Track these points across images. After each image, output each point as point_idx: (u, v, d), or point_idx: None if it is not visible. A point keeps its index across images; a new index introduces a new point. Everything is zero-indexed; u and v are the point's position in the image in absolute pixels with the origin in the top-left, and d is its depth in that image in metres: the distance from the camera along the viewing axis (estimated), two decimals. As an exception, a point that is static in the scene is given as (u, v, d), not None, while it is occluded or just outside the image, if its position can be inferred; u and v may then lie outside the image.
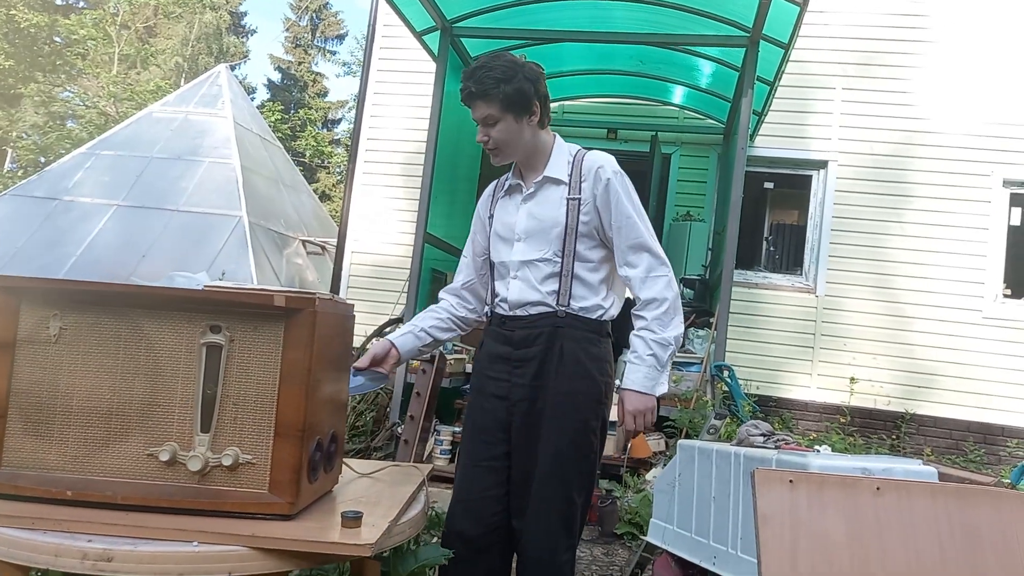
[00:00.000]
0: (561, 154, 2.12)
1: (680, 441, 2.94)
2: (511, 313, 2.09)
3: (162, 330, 1.35)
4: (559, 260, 2.05)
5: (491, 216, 2.21)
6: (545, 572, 2.03)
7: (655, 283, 2.04)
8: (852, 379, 6.65)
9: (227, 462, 1.32)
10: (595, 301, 2.07)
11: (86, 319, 1.35)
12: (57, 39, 21.32)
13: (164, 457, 1.32)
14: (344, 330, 1.60)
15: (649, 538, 2.96)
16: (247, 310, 1.35)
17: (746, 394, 5.29)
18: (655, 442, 4.97)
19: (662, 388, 2.05)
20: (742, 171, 5.30)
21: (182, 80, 23.09)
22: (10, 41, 19.83)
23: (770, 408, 6.59)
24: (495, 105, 2.00)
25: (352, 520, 1.31)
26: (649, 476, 4.55)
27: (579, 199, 2.05)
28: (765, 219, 7.98)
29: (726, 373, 4.89)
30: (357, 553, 1.25)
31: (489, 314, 2.21)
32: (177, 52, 25.48)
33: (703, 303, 6.41)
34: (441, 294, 2.32)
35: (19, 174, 19.84)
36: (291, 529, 1.28)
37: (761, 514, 1.68)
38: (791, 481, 1.70)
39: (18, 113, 20.50)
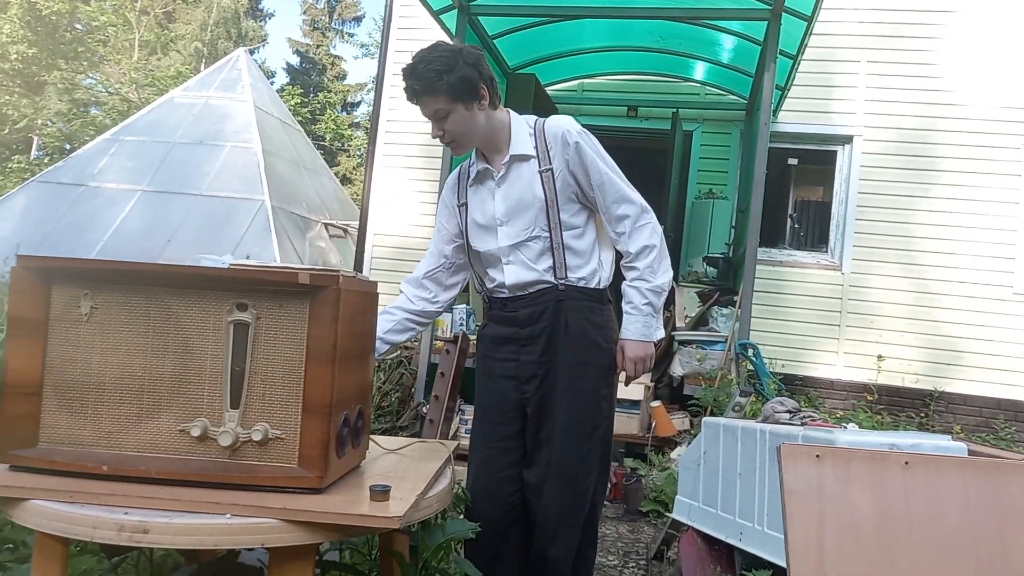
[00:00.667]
0: (521, 129, 2.10)
1: (705, 419, 2.94)
2: (512, 295, 2.10)
3: (190, 308, 1.37)
4: (547, 234, 2.05)
5: (463, 205, 2.18)
6: (566, 541, 2.05)
7: (641, 232, 2.06)
8: (879, 357, 6.58)
9: (257, 437, 1.34)
10: (591, 268, 2.08)
11: (116, 298, 1.37)
12: (78, 26, 21.46)
13: (195, 433, 1.34)
14: (368, 308, 1.60)
15: (675, 515, 2.97)
16: (272, 288, 1.36)
17: (771, 373, 5.25)
18: (679, 421, 4.97)
19: (659, 333, 2.12)
20: (765, 147, 5.23)
21: (202, 65, 23.19)
22: (32, 29, 19.99)
23: (796, 387, 6.55)
24: (441, 97, 1.96)
25: (380, 493, 1.32)
26: (674, 455, 4.55)
27: (551, 169, 2.05)
28: (789, 196, 7.88)
29: (751, 351, 4.86)
30: (385, 525, 1.27)
31: (486, 299, 2.22)
32: (196, 37, 25.58)
33: (726, 281, 6.37)
34: (402, 285, 2.27)
35: (45, 161, 20.08)
36: (321, 502, 1.30)
37: (787, 489, 1.67)
38: (818, 456, 1.69)
39: (42, 101, 20.71)
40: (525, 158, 2.06)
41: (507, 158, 2.07)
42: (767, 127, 5.23)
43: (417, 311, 2.21)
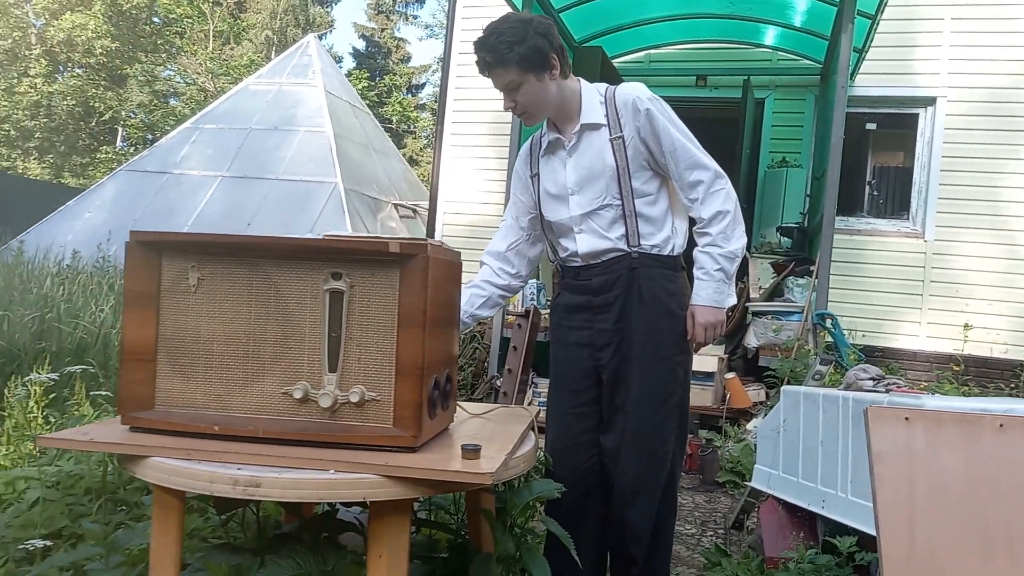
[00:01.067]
0: (592, 97, 2.09)
1: (784, 387, 2.91)
2: (584, 264, 2.11)
3: (289, 278, 1.45)
4: (619, 202, 2.05)
5: (535, 175, 2.19)
6: (645, 506, 2.08)
7: (715, 197, 2.04)
8: (966, 326, 6.32)
9: (354, 399, 1.41)
10: (664, 235, 2.08)
11: (221, 270, 1.46)
12: (156, 19, 22.28)
13: (297, 395, 1.42)
14: (453, 275, 1.66)
15: (753, 484, 2.96)
16: (365, 257, 1.43)
17: (850, 343, 5.13)
18: (754, 392, 4.91)
19: (731, 300, 2.11)
20: (842, 112, 5.06)
21: (272, 53, 23.76)
22: (114, 24, 20.86)
23: (876, 358, 6.36)
24: (513, 69, 1.96)
25: (472, 452, 1.38)
26: (750, 426, 4.51)
27: (622, 136, 2.04)
28: (867, 162, 7.60)
29: (829, 322, 4.76)
30: (479, 481, 1.32)
31: (559, 268, 2.23)
32: (266, 25, 26.19)
33: (802, 251, 6.22)
34: (484, 258, 2.28)
35: (130, 151, 21.02)
36: (416, 460, 1.36)
37: (875, 452, 1.65)
38: (907, 419, 1.66)
39: (125, 93, 21.64)
40: (596, 127, 2.06)
41: (578, 127, 2.07)
42: (844, 91, 5.06)
43: (503, 285, 2.24)
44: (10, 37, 20.08)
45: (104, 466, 2.27)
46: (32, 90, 20.17)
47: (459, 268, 1.72)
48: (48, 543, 1.85)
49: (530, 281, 5.59)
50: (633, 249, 2.06)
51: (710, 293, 2.06)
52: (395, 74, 30.10)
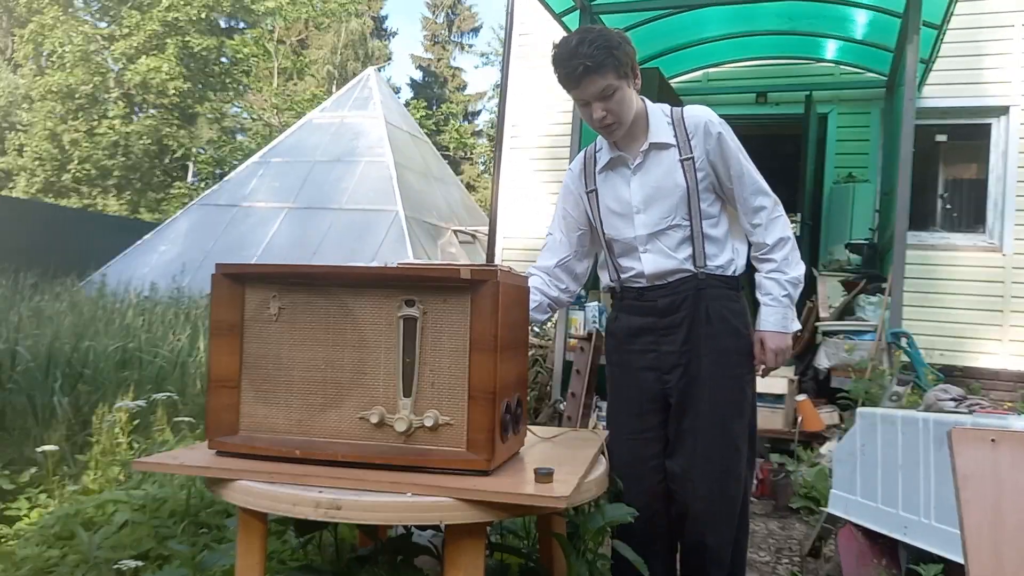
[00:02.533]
0: (659, 117, 2.08)
1: (860, 409, 2.83)
2: (650, 284, 2.09)
3: (364, 306, 1.49)
4: (688, 223, 2.05)
5: (592, 191, 2.16)
6: (723, 528, 2.05)
7: (776, 224, 2.07)
8: (1052, 344, 6.03)
9: (428, 423, 1.44)
10: (727, 256, 2.08)
11: (300, 299, 1.51)
12: (224, 59, 23.26)
13: (374, 420, 1.46)
14: (522, 300, 1.68)
15: (830, 509, 2.87)
16: (437, 284, 1.46)
17: (927, 363, 4.94)
18: (827, 415, 4.77)
19: (796, 325, 2.13)
20: (911, 125, 4.92)
21: (334, 87, 24.51)
22: (186, 65, 21.87)
23: (955, 378, 6.09)
24: (610, 74, 1.94)
25: (545, 476, 1.39)
26: (823, 450, 4.38)
27: (692, 158, 2.04)
28: (938, 175, 7.36)
29: (904, 340, 4.60)
30: (553, 505, 1.33)
31: (617, 290, 2.19)
32: (328, 60, 27.08)
33: (872, 268, 6.03)
34: (531, 270, 2.24)
35: (201, 185, 21.89)
36: (490, 483, 1.38)
37: (961, 475, 1.59)
38: (993, 440, 1.60)
39: (196, 130, 22.61)
40: (664, 146, 2.06)
41: (646, 146, 2.06)
42: (912, 103, 4.92)
43: (554, 297, 2.22)
44: (91, 82, 21.23)
45: (188, 489, 2.36)
46: (111, 131, 21.25)
47: (527, 292, 1.74)
48: (138, 563, 1.93)
49: (591, 304, 5.59)
50: (700, 270, 2.05)
51: (778, 319, 2.08)
52: (451, 102, 30.68)
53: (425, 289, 1.47)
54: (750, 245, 2.14)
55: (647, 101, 2.12)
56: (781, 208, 2.09)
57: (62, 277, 9.63)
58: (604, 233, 2.15)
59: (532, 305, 2.08)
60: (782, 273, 2.07)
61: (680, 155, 2.04)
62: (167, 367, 4.21)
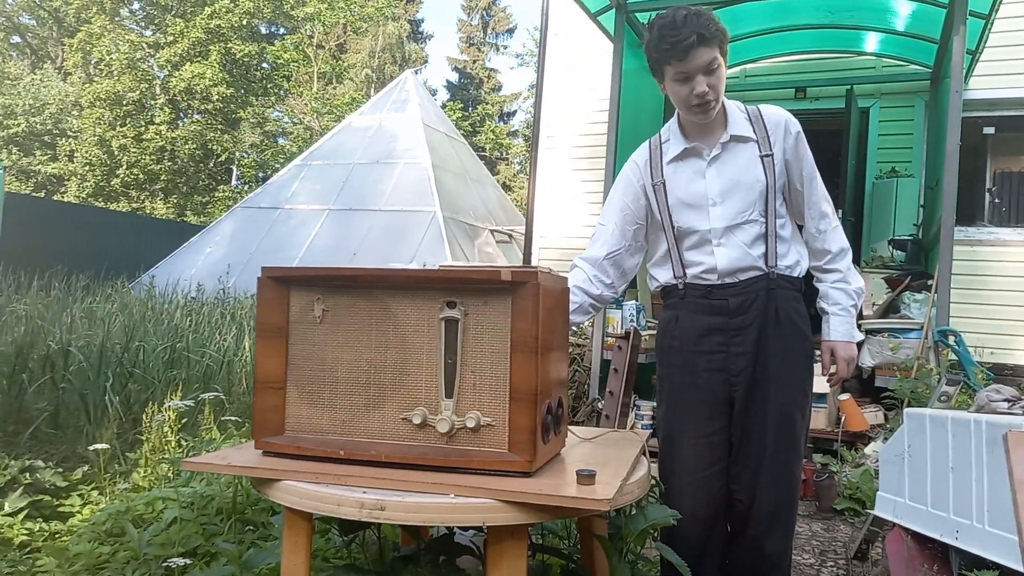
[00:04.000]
0: (736, 111, 2.05)
1: (908, 409, 2.76)
2: (720, 282, 2.04)
3: (406, 308, 1.51)
4: (763, 220, 2.01)
5: (659, 183, 2.08)
6: (783, 532, 2.04)
7: (838, 233, 2.10)
8: (1107, 342, 5.82)
9: (470, 424, 1.45)
10: (795, 258, 2.06)
11: (343, 301, 1.53)
12: (265, 64, 23.69)
13: (416, 420, 1.47)
14: (563, 301, 1.68)
15: (877, 512, 2.81)
16: (478, 286, 1.47)
17: (976, 361, 4.81)
18: (871, 414, 4.68)
19: (860, 335, 2.16)
20: (957, 118, 4.80)
21: (372, 89, 24.79)
22: (228, 71, 22.31)
23: (1006, 377, 5.94)
24: (715, 48, 1.91)
25: (587, 478, 1.39)
26: (868, 450, 4.29)
27: (772, 155, 2.01)
28: (986, 168, 7.17)
29: (952, 339, 4.49)
30: (596, 507, 1.33)
31: (680, 287, 2.10)
32: (366, 64, 27.38)
33: (917, 264, 5.90)
34: (577, 262, 2.17)
35: (244, 189, 22.33)
36: (532, 485, 1.38)
37: (1017, 478, 1.56)
38: (1049, 443, 1.55)
39: (239, 135, 23.06)
40: (744, 140, 2.02)
41: (726, 137, 2.02)
42: (959, 96, 4.80)
43: (596, 295, 2.13)
44: (138, 89, 21.79)
45: (234, 487, 2.41)
46: (157, 136, 21.80)
47: (567, 294, 1.74)
48: (187, 561, 1.98)
49: (629, 303, 5.56)
50: (771, 270, 2.02)
51: (848, 328, 2.10)
52: (487, 103, 30.79)
53: (466, 291, 1.48)
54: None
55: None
56: (838, 219, 2.12)
57: (112, 279, 9.91)
58: (674, 225, 2.07)
59: (572, 307, 2.01)
60: (848, 283, 2.09)
61: (760, 151, 2.01)
62: (213, 366, 4.30)
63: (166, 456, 2.73)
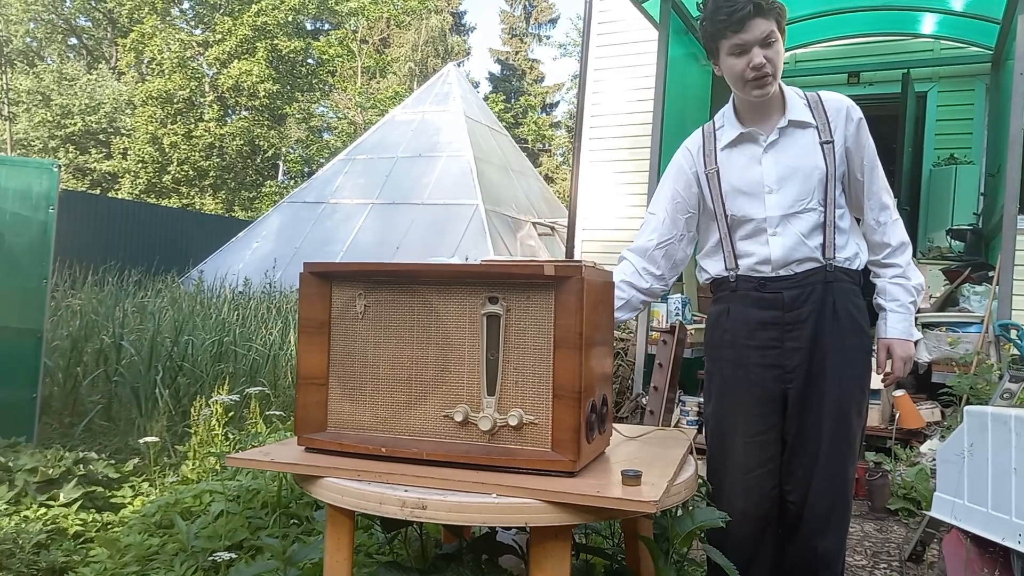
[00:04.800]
0: (794, 97, 1.98)
1: (968, 407, 2.65)
2: (774, 274, 1.96)
3: (448, 303, 1.48)
4: (822, 209, 1.93)
5: (713, 170, 2.01)
6: (837, 532, 1.98)
7: (898, 226, 2.00)
8: None
9: (513, 422, 1.42)
10: (854, 250, 1.98)
11: (385, 297, 1.52)
12: (310, 60, 24.00)
13: (458, 418, 1.45)
14: (607, 297, 1.64)
15: (933, 513, 2.71)
16: (521, 281, 1.44)
17: (1040, 357, 4.61)
18: (928, 411, 4.52)
19: (919, 334, 2.07)
20: (1022, 100, 4.59)
21: (415, 83, 24.92)
22: (275, 67, 22.68)
23: (1071, 373, 5.68)
24: (772, 20, 1.84)
25: (632, 479, 1.35)
26: (923, 448, 4.15)
27: (832, 142, 1.93)
28: (1052, 154, 6.85)
29: (1014, 333, 4.30)
30: (642, 509, 1.29)
31: (732, 279, 2.03)
32: (409, 58, 27.54)
33: (977, 255, 5.68)
34: (625, 254, 2.10)
35: (291, 183, 22.70)
36: (576, 485, 1.35)
37: (1089, 483, 1.46)
38: None
39: (285, 130, 23.43)
40: (804, 125, 1.95)
41: (784, 122, 1.95)
42: (1023, 78, 4.59)
43: (645, 289, 2.07)
44: (188, 87, 22.29)
45: (279, 482, 2.43)
46: (207, 133, 22.29)
47: (612, 288, 1.70)
48: (232, 555, 2.00)
49: (674, 296, 5.47)
50: (829, 262, 1.94)
51: (906, 326, 2.01)
52: (529, 95, 30.69)
53: (508, 286, 1.45)
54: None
55: (780, 80, 1.99)
56: (898, 212, 2.02)
57: (163, 274, 10.16)
58: (727, 214, 2.00)
59: (618, 303, 1.98)
60: (907, 279, 2.00)
61: (820, 137, 1.94)
62: (259, 360, 4.37)
63: (213, 449, 2.77)
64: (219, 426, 2.84)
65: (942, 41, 6.65)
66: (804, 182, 1.93)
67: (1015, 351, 4.42)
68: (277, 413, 2.97)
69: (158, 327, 4.47)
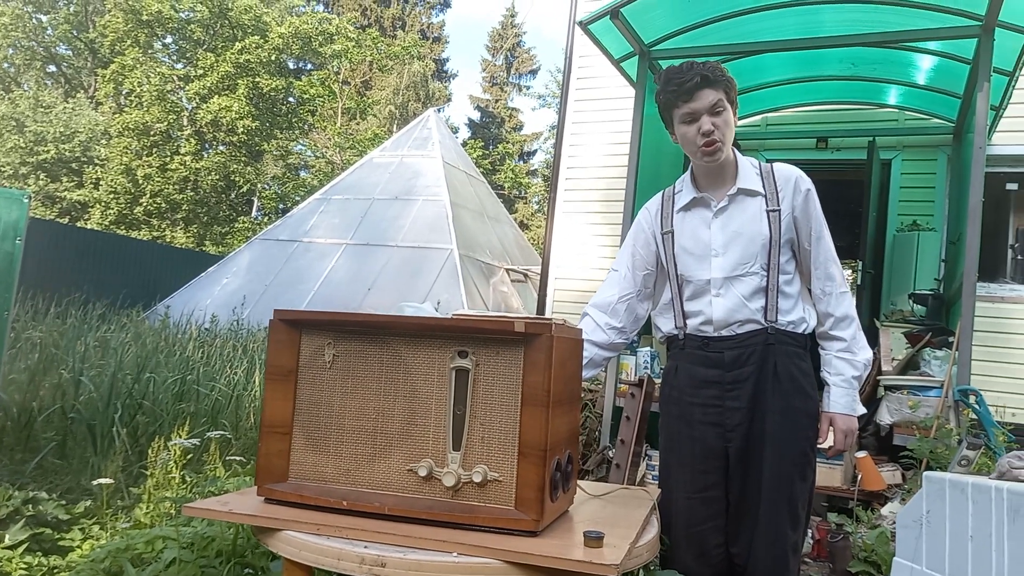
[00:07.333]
0: (747, 166, 2.08)
1: (927, 473, 2.68)
2: (716, 334, 2.03)
3: (418, 356, 1.48)
4: (765, 274, 2.00)
5: (668, 232, 2.12)
6: None
7: (845, 298, 2.05)
8: None
9: (477, 479, 1.41)
10: (799, 314, 2.03)
11: (355, 346, 1.52)
12: (291, 99, 24.14)
13: (422, 473, 1.44)
14: (576, 353, 1.65)
15: (893, 578, 2.72)
16: (491, 336, 1.45)
17: (998, 423, 4.70)
18: (889, 473, 4.56)
19: (862, 408, 2.10)
20: (981, 173, 4.76)
21: (395, 126, 25.16)
22: (255, 104, 22.75)
23: (1028, 438, 5.80)
24: (721, 92, 1.97)
25: (594, 540, 1.35)
26: (884, 511, 4.18)
27: (779, 210, 2.01)
28: (1009, 224, 7.10)
29: (973, 398, 4.39)
30: (602, 572, 1.28)
31: (680, 337, 2.12)
32: (390, 101, 27.83)
33: (938, 320, 5.81)
34: (588, 309, 2.19)
35: (264, 220, 22.60)
36: (538, 545, 1.34)
37: (1042, 556, 1.49)
38: (1078, 520, 1.49)
39: (261, 166, 23.42)
40: (752, 193, 2.04)
41: (734, 190, 2.05)
42: (982, 152, 4.77)
43: (606, 344, 2.15)
44: (166, 120, 22.24)
45: (235, 529, 2.37)
46: (182, 166, 22.17)
47: (581, 345, 1.71)
48: (184, 604, 1.94)
49: (643, 349, 5.51)
50: (770, 324, 2.00)
51: (849, 401, 2.04)
52: (508, 142, 31.10)
53: (479, 341, 1.46)
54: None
55: (736, 151, 2.12)
56: (848, 286, 2.08)
57: (129, 307, 9.98)
58: (678, 274, 2.10)
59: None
60: (852, 354, 2.04)
61: (767, 205, 2.02)
62: (222, 400, 4.29)
63: (169, 494, 2.70)
64: (176, 468, 2.77)
65: (907, 112, 6.91)
66: (747, 247, 2.01)
67: (973, 416, 4.51)
68: (237, 459, 2.91)
69: (120, 363, 4.38)
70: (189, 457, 2.99)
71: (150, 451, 2.85)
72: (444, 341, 1.47)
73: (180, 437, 2.83)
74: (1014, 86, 5.51)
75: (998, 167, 6.39)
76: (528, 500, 1.39)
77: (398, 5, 33.02)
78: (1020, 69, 5.22)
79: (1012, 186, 6.80)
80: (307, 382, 1.53)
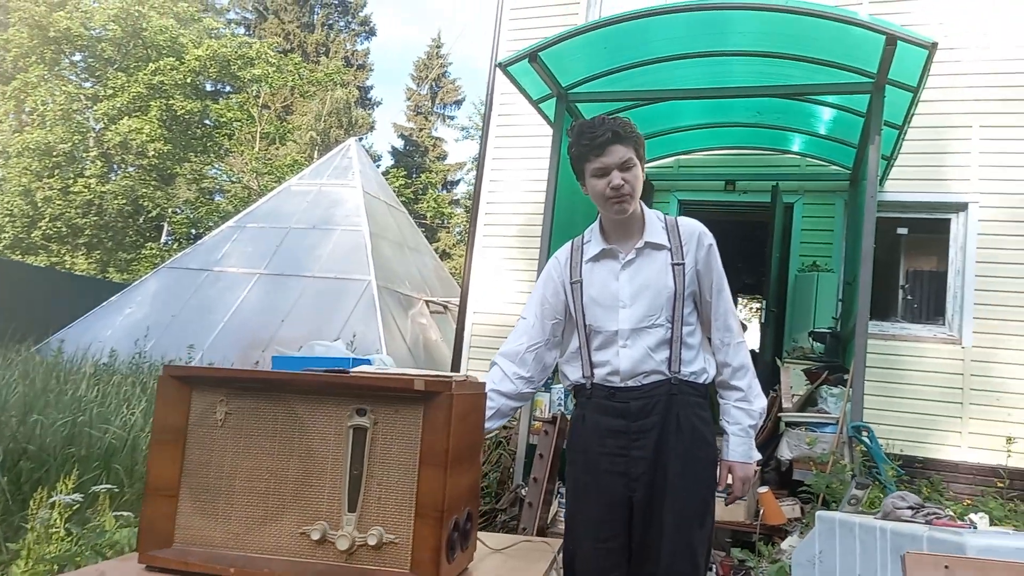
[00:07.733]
0: (653, 220, 2.16)
1: (819, 513, 2.80)
2: (623, 384, 2.08)
3: (314, 413, 1.45)
4: (670, 326, 2.07)
5: (576, 282, 2.17)
6: None
7: (742, 348, 2.15)
8: (1009, 439, 6.09)
9: (372, 541, 1.39)
10: (700, 364, 2.11)
11: (248, 404, 1.47)
12: (207, 122, 23.46)
13: (315, 536, 1.40)
14: (477, 408, 1.65)
15: (790, 616, 2.81)
16: (390, 394, 1.43)
17: (888, 456, 4.95)
18: (789, 508, 4.73)
19: (758, 455, 2.18)
20: (872, 219, 5.07)
21: (315, 153, 24.79)
22: (168, 127, 22.00)
23: (916, 470, 6.13)
24: (631, 148, 2.05)
25: (490, 601, 1.34)
26: (784, 545, 4.32)
27: (683, 264, 2.10)
28: (900, 266, 7.56)
29: (865, 434, 4.61)
30: (496, 636, 1.28)
31: (587, 387, 2.15)
32: (311, 127, 27.42)
33: (835, 357, 6.10)
34: (496, 359, 2.22)
35: (174, 247, 21.74)
36: (433, 609, 1.32)
37: (915, 602, 1.57)
38: (947, 567, 1.58)
39: (173, 190, 22.59)
40: (659, 247, 2.11)
41: (641, 243, 2.11)
42: (874, 200, 5.08)
43: (514, 394, 2.16)
44: (70, 140, 21.22)
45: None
46: (86, 189, 21.14)
47: (484, 399, 1.72)
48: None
49: (557, 387, 5.55)
50: (673, 375, 2.06)
51: (746, 449, 2.13)
52: (431, 171, 31.09)
53: (378, 398, 1.44)
54: None
55: (643, 204, 2.18)
56: (744, 337, 2.17)
57: (20, 340, 9.37)
58: (586, 324, 2.13)
59: (488, 414, 2.02)
60: (749, 403, 2.13)
61: (672, 259, 2.09)
62: (116, 443, 4.06)
63: (52, 548, 2.53)
64: (60, 521, 2.61)
65: (808, 159, 7.30)
66: (654, 299, 2.07)
67: (865, 451, 4.73)
68: (125, 514, 2.76)
69: (4, 404, 4.10)
70: (76, 507, 2.82)
71: (32, 503, 2.67)
72: (342, 398, 1.45)
73: (67, 486, 2.66)
74: (903, 138, 5.91)
75: (890, 212, 6.80)
76: (424, 562, 1.37)
77: (322, 31, 32.75)
78: (908, 123, 5.60)
79: (903, 230, 7.24)
80: (196, 442, 1.48)
